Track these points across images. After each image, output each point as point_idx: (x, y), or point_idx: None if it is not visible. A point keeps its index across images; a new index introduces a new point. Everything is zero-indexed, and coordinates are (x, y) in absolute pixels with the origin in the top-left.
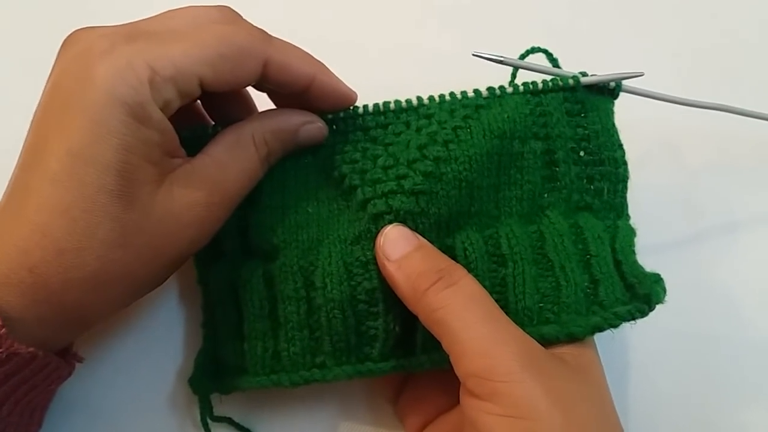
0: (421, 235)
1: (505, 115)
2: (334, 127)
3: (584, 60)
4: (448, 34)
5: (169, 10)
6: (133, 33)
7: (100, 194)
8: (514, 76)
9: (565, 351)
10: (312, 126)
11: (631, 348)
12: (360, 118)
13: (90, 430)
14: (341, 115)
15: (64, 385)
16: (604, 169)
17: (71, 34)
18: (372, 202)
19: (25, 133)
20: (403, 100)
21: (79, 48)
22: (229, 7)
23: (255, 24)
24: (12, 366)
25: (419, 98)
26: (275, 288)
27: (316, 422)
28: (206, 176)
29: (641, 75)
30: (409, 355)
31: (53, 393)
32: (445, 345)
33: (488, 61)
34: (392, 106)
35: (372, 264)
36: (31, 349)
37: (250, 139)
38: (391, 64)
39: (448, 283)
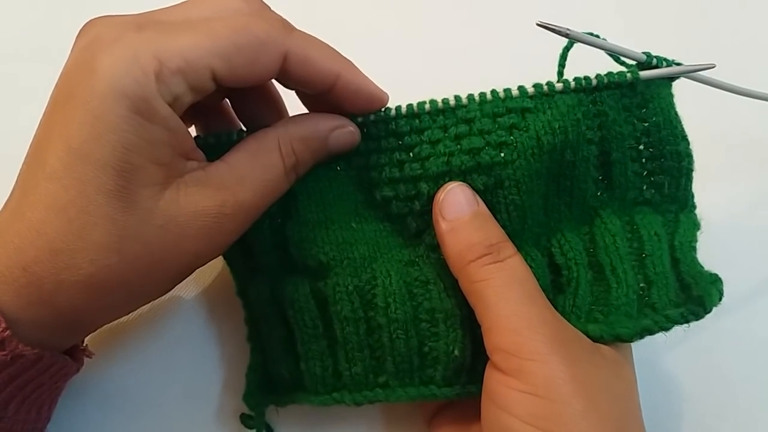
0: None
1: (556, 125)
2: (365, 130)
3: None
4: (478, 28)
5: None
6: (144, 22)
7: (98, 194)
8: (563, 61)
9: (603, 344)
10: (343, 131)
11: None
12: (393, 122)
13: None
14: (372, 118)
15: (102, 392)
16: (666, 164)
17: (86, 23)
18: (427, 233)
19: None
20: (439, 99)
21: (89, 38)
22: None
23: None
24: (17, 367)
25: (457, 98)
26: (328, 308)
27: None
28: (219, 184)
29: (713, 67)
30: (476, 381)
31: (61, 389)
32: (478, 315)
33: (553, 33)
34: (427, 107)
35: (432, 284)
36: (36, 351)
37: (275, 147)
38: (421, 62)
39: (495, 259)
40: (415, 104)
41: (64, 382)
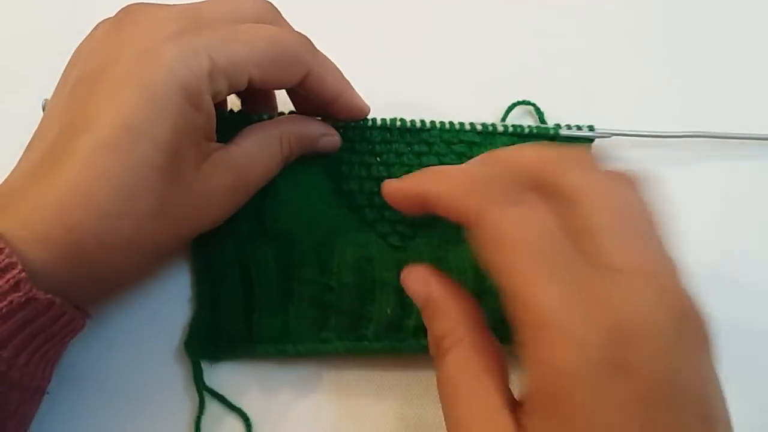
0: (416, 250)
1: None
2: (340, 131)
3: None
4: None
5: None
6: (197, 21)
7: (150, 168)
8: (503, 119)
9: None
10: (330, 138)
11: None
12: (368, 131)
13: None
14: (351, 124)
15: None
16: None
17: (132, 8)
18: (380, 222)
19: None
20: (408, 120)
21: (145, 27)
22: (270, 3)
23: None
24: (30, 311)
25: (422, 122)
26: (291, 271)
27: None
28: (238, 165)
29: (609, 137)
30: (401, 340)
31: (64, 347)
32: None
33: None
34: (398, 124)
35: (375, 261)
36: (48, 296)
37: (277, 140)
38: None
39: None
40: (388, 119)
41: (70, 338)
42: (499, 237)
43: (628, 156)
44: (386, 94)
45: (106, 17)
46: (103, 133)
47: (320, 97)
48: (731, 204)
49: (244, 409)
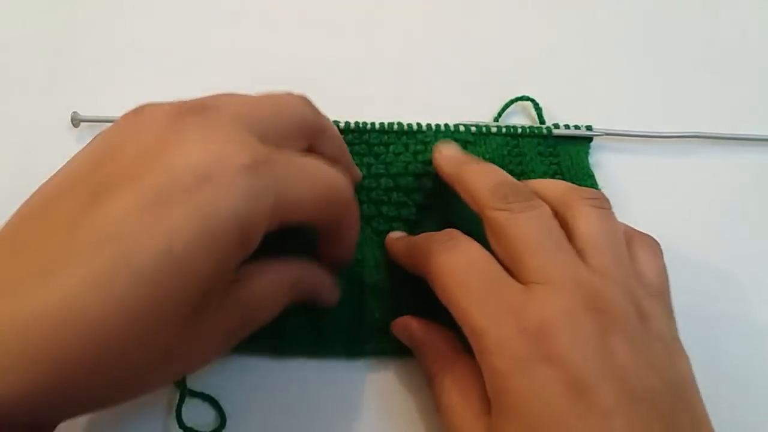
0: None
1: (487, 156)
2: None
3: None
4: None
5: (273, 101)
6: (265, 150)
7: (179, 305)
8: (499, 116)
9: None
10: (332, 296)
11: None
12: (367, 134)
13: None
14: (351, 127)
15: None
16: None
17: (197, 107)
18: (376, 219)
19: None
20: (405, 123)
21: (214, 141)
22: (311, 105)
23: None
24: None
25: (419, 124)
26: None
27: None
28: (245, 311)
29: (601, 135)
30: (389, 342)
31: None
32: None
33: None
34: (395, 127)
35: (365, 262)
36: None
37: (288, 288)
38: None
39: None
40: (386, 123)
41: None
42: (439, 277)
43: (623, 155)
44: (385, 91)
45: (154, 103)
46: (140, 252)
47: (327, 232)
48: (727, 203)
49: (224, 401)
